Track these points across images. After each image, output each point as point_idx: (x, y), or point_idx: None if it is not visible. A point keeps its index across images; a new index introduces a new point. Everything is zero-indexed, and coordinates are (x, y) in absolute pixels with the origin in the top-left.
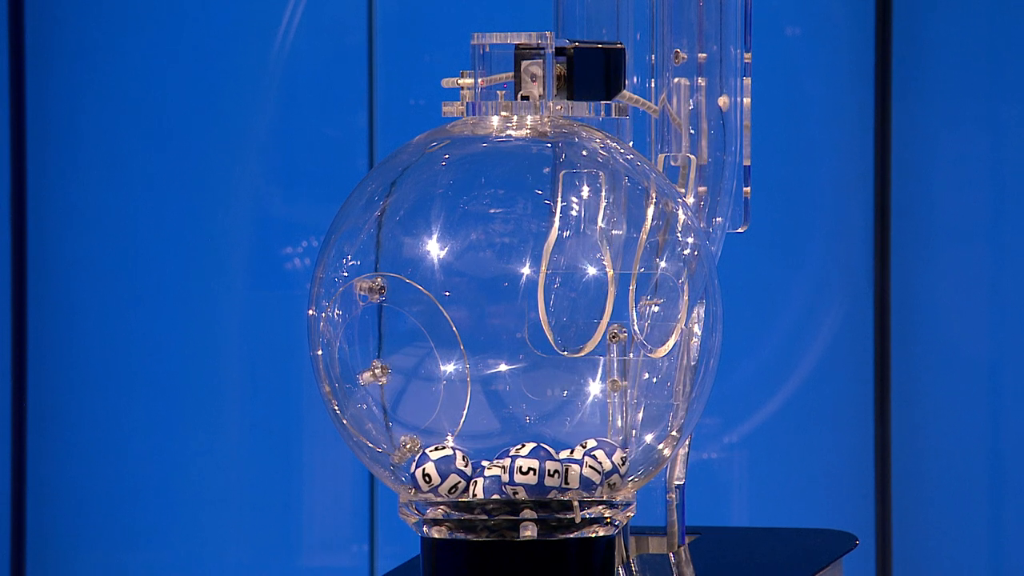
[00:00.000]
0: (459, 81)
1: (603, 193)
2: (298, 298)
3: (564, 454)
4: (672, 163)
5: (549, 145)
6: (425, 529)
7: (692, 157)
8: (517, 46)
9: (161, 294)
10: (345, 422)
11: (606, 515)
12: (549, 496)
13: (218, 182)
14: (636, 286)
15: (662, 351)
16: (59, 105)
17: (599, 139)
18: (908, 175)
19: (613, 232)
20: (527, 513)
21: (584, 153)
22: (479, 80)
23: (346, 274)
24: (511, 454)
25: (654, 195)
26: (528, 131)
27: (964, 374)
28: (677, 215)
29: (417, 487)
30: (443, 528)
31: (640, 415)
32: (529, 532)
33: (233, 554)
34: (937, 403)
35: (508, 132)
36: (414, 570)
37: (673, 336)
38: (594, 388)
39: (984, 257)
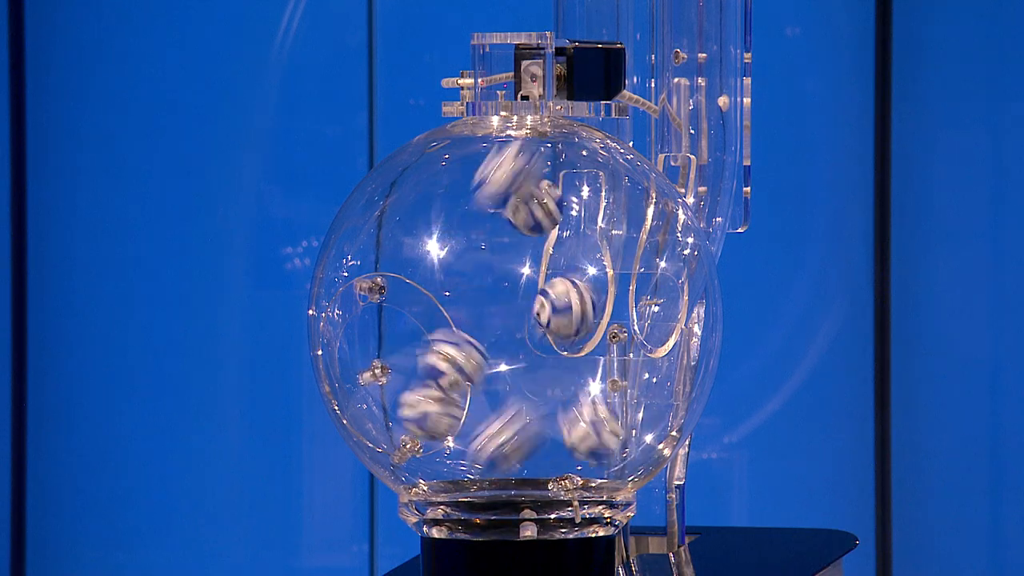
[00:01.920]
0: (459, 81)
1: (603, 193)
2: (298, 298)
3: None
4: (672, 163)
5: (549, 145)
6: (425, 529)
7: (692, 157)
8: (517, 46)
9: (161, 294)
10: (345, 422)
11: (606, 515)
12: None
13: (218, 182)
14: (636, 286)
15: (662, 351)
16: (59, 105)
17: (599, 139)
18: (908, 175)
19: (613, 232)
20: (527, 513)
21: (584, 153)
22: (479, 80)
23: (346, 274)
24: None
25: (654, 195)
26: (528, 131)
27: (964, 374)
28: (677, 215)
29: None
30: (443, 528)
31: (640, 415)
32: (529, 532)
33: (233, 554)
34: (937, 403)
35: (508, 132)
36: (414, 570)
37: (673, 336)
38: (594, 388)
39: (984, 257)
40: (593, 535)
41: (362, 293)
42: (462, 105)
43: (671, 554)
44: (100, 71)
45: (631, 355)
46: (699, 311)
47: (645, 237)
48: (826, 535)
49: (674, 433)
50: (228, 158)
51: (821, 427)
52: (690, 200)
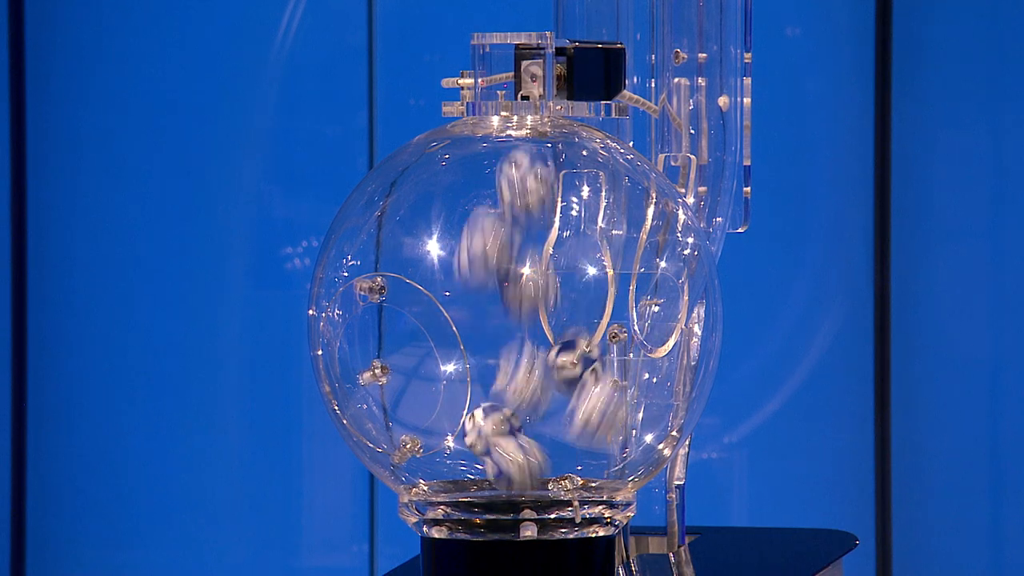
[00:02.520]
0: (459, 81)
1: (603, 193)
2: (298, 298)
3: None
4: (672, 163)
5: (549, 145)
6: (425, 529)
7: (692, 157)
8: (517, 46)
9: (161, 294)
10: (345, 422)
11: (606, 515)
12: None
13: (218, 182)
14: (636, 286)
15: (662, 351)
16: (59, 105)
17: (599, 139)
18: (908, 175)
19: (613, 232)
20: (527, 513)
21: (584, 153)
22: (479, 80)
23: (346, 274)
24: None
25: (654, 195)
26: (528, 131)
27: (964, 374)
28: (677, 215)
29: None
30: (443, 528)
31: (640, 415)
32: (529, 532)
33: (233, 554)
34: (937, 403)
35: (508, 132)
36: (414, 570)
37: (673, 336)
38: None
39: (984, 257)
40: (593, 535)
41: (362, 293)
42: (462, 105)
43: (671, 554)
44: (100, 71)
45: (631, 355)
46: (699, 311)
47: (645, 237)
48: (826, 535)
49: (674, 433)
50: (228, 158)
51: (821, 427)
52: (690, 200)
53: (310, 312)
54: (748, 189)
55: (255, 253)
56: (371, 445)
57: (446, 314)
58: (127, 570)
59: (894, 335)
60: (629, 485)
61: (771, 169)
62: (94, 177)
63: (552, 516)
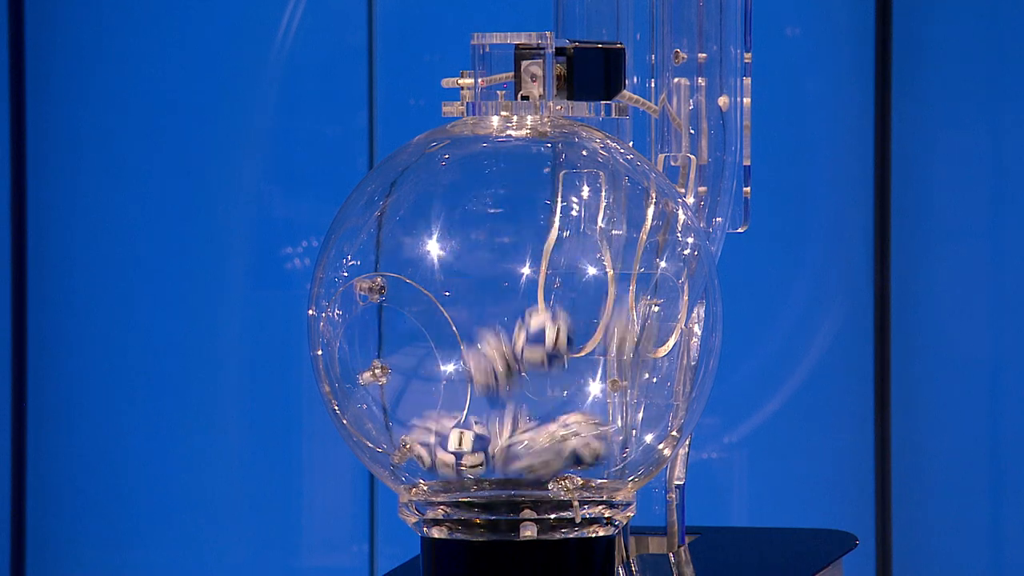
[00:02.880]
0: (459, 81)
1: (603, 193)
2: (298, 298)
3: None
4: (672, 163)
5: (549, 145)
6: (425, 529)
7: (692, 157)
8: (517, 46)
9: (161, 294)
10: (345, 422)
11: (606, 515)
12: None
13: (218, 182)
14: (636, 286)
15: (662, 351)
16: (59, 105)
17: (599, 139)
18: (908, 175)
19: (613, 232)
20: (527, 513)
21: (584, 153)
22: (479, 80)
23: (346, 274)
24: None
25: (654, 195)
26: (528, 131)
27: (964, 374)
28: (677, 215)
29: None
30: (443, 528)
31: (640, 415)
32: (529, 532)
33: (233, 554)
34: (937, 403)
35: (508, 132)
36: (414, 570)
37: (673, 336)
38: (594, 388)
39: (984, 257)
40: (593, 535)
41: (362, 293)
42: (462, 105)
43: (671, 554)
44: (100, 71)
45: (631, 355)
46: (699, 311)
47: (645, 237)
48: (826, 535)
49: (674, 433)
50: (228, 158)
51: (821, 427)
52: (690, 200)
53: (310, 312)
54: (748, 189)
55: (255, 253)
56: (371, 445)
57: (446, 314)
58: (127, 570)
59: (894, 335)
60: (629, 485)
61: (771, 169)
62: (94, 177)
63: (552, 516)
